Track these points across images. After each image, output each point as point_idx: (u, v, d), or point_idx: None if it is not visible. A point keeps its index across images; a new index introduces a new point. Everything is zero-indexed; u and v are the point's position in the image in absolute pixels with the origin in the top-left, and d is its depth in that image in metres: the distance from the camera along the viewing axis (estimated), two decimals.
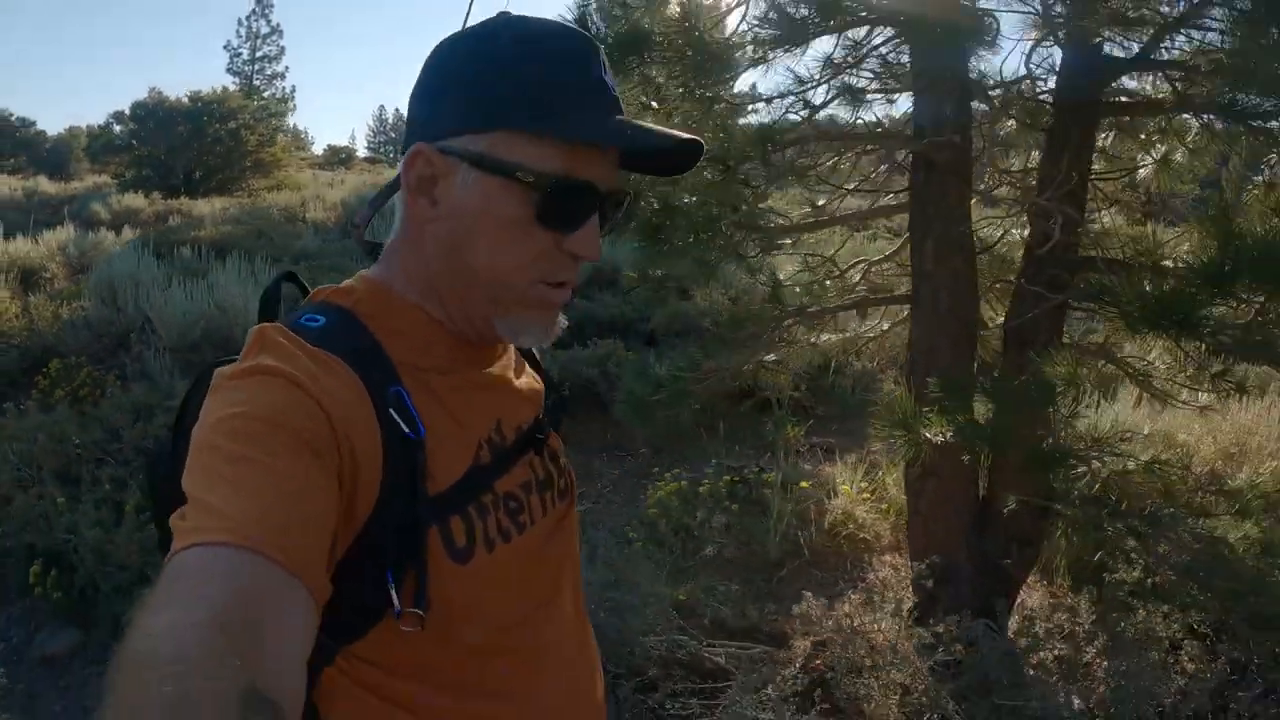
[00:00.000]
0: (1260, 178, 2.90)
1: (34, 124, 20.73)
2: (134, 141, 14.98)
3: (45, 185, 14.13)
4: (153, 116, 14.47)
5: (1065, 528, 2.87)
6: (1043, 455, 2.46)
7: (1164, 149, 3.15)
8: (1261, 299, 2.31)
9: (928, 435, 2.43)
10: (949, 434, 2.38)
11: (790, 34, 2.50)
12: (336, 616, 0.71)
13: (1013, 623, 3.07)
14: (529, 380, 1.00)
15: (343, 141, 77.80)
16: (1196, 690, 2.74)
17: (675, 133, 0.82)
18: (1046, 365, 2.44)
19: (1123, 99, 2.95)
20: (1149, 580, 3.21)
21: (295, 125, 33.18)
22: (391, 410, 0.75)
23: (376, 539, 0.74)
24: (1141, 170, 3.35)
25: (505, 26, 0.80)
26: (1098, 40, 2.62)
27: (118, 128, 15.16)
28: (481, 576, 0.80)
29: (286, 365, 0.72)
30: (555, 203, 0.78)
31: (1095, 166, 3.07)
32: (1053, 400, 2.28)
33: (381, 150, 59.23)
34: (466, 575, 0.79)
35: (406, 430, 0.76)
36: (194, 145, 14.44)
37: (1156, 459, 3.12)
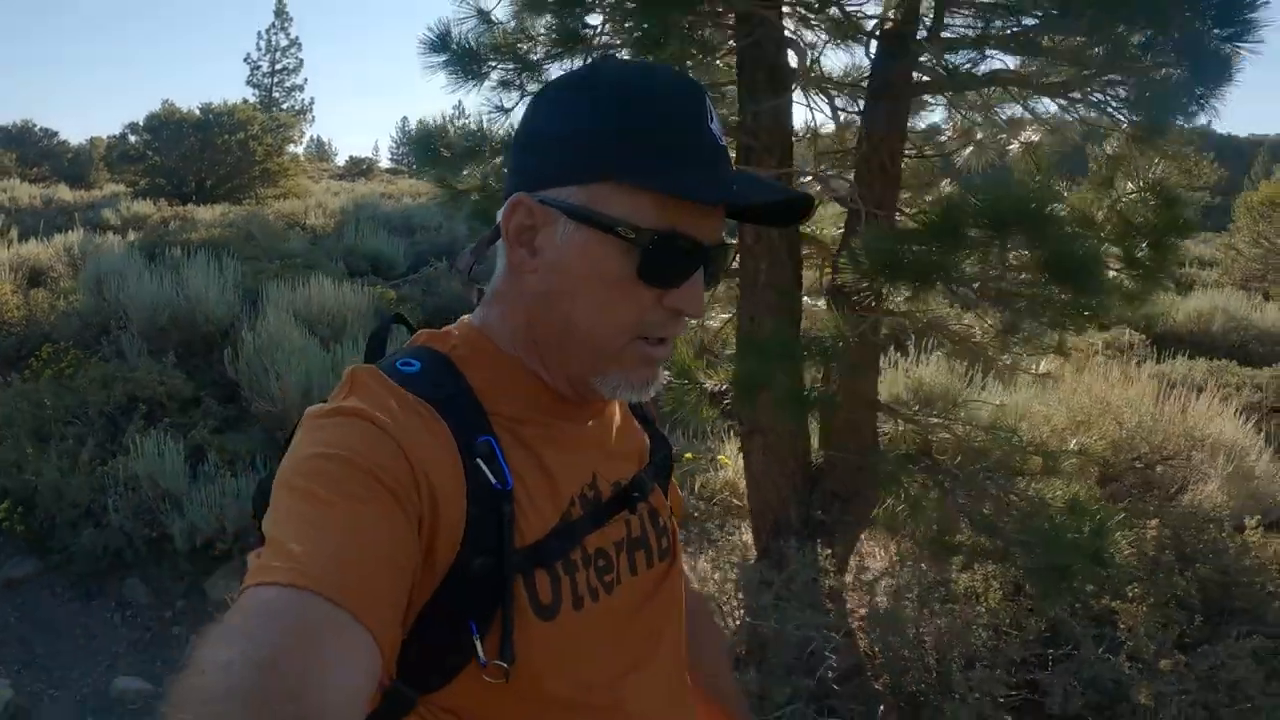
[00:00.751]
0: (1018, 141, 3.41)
1: (56, 134, 21.94)
2: (148, 152, 15.90)
3: (64, 193, 15.05)
4: (165, 127, 15.39)
5: (876, 482, 3.36)
6: (803, 403, 2.99)
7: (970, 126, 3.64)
8: (997, 250, 2.77)
9: (706, 385, 2.97)
10: (724, 383, 2.92)
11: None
12: (419, 665, 0.73)
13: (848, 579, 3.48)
14: (633, 435, 0.99)
15: (366, 153, 79.26)
16: (1005, 644, 3.03)
17: (783, 187, 0.85)
18: (823, 322, 2.97)
19: (924, 79, 3.35)
20: (969, 538, 3.62)
21: (318, 136, 34.18)
22: (479, 459, 0.76)
23: (460, 588, 0.73)
24: (963, 148, 3.82)
25: (608, 74, 0.81)
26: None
27: (132, 138, 16.13)
28: (567, 634, 0.79)
29: (372, 407, 0.73)
30: (658, 260, 0.77)
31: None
32: (796, 354, 2.81)
33: (404, 161, 60.49)
34: (551, 631, 0.78)
35: (494, 481, 0.75)
36: (204, 155, 15.35)
37: (978, 422, 3.64)
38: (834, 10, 3.04)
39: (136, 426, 4.28)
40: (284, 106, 29.90)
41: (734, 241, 1.02)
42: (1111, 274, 2.92)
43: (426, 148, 3.04)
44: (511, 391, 0.83)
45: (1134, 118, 3.04)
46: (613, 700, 0.85)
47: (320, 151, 32.08)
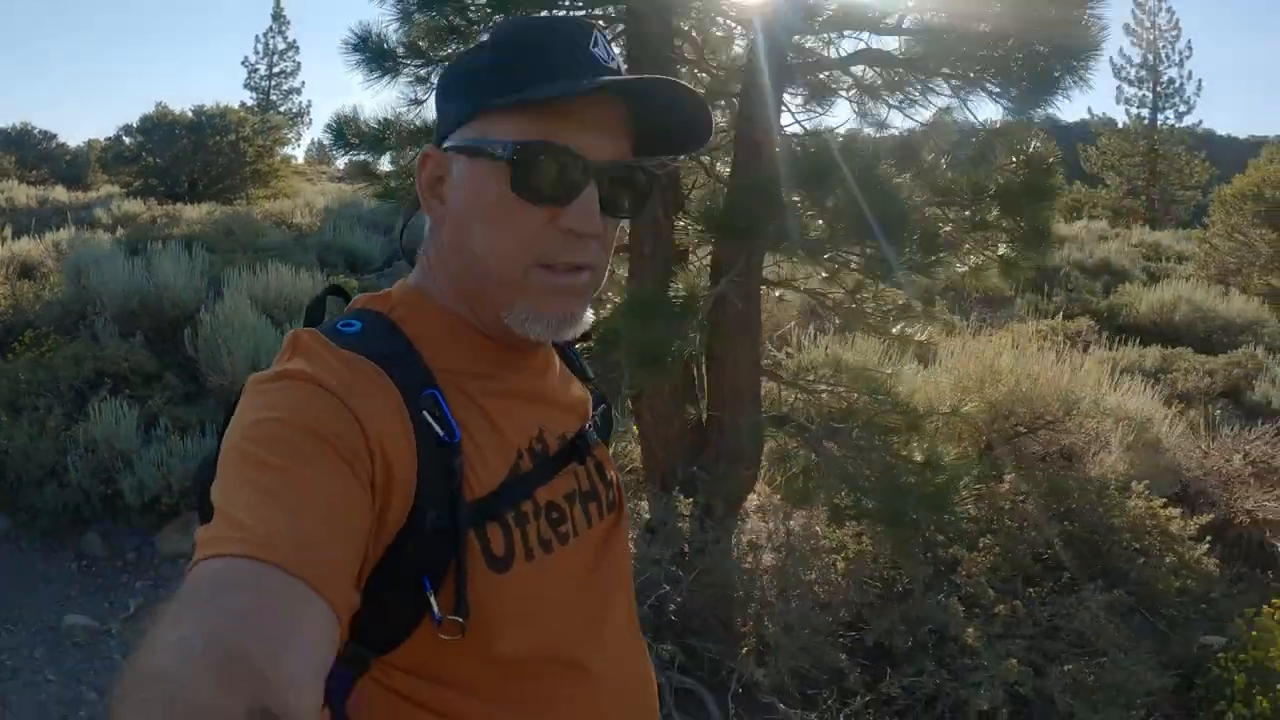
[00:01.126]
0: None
1: (55, 137, 22.50)
2: (143, 153, 16.38)
3: (59, 194, 15.53)
4: (158, 129, 15.88)
5: (749, 437, 3.72)
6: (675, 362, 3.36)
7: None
8: (820, 209, 3.12)
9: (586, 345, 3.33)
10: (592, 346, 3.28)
11: None
12: (372, 625, 0.73)
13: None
14: (576, 389, 0.99)
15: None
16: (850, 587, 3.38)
17: (664, 80, 0.80)
18: (675, 282, 3.32)
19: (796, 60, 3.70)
20: (834, 494, 3.93)
21: (318, 140, 34.67)
22: (425, 413, 0.75)
23: (412, 545, 0.73)
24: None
25: (503, 24, 0.85)
26: None
27: (126, 140, 16.63)
28: (521, 586, 0.79)
29: (317, 370, 0.73)
30: (528, 171, 0.77)
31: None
32: (650, 314, 3.17)
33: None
34: (505, 584, 0.78)
35: (441, 434, 0.75)
36: (196, 156, 15.82)
37: (864, 389, 3.98)
38: None
39: (100, 398, 4.68)
40: (281, 109, 30.44)
41: (647, 163, 0.83)
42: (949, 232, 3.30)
43: (340, 135, 3.42)
44: (451, 346, 0.83)
45: (1010, 92, 3.37)
46: (573, 657, 0.85)
47: (321, 154, 32.56)
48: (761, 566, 3.49)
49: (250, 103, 29.49)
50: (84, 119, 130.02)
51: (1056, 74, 3.08)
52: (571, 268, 0.81)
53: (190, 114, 16.36)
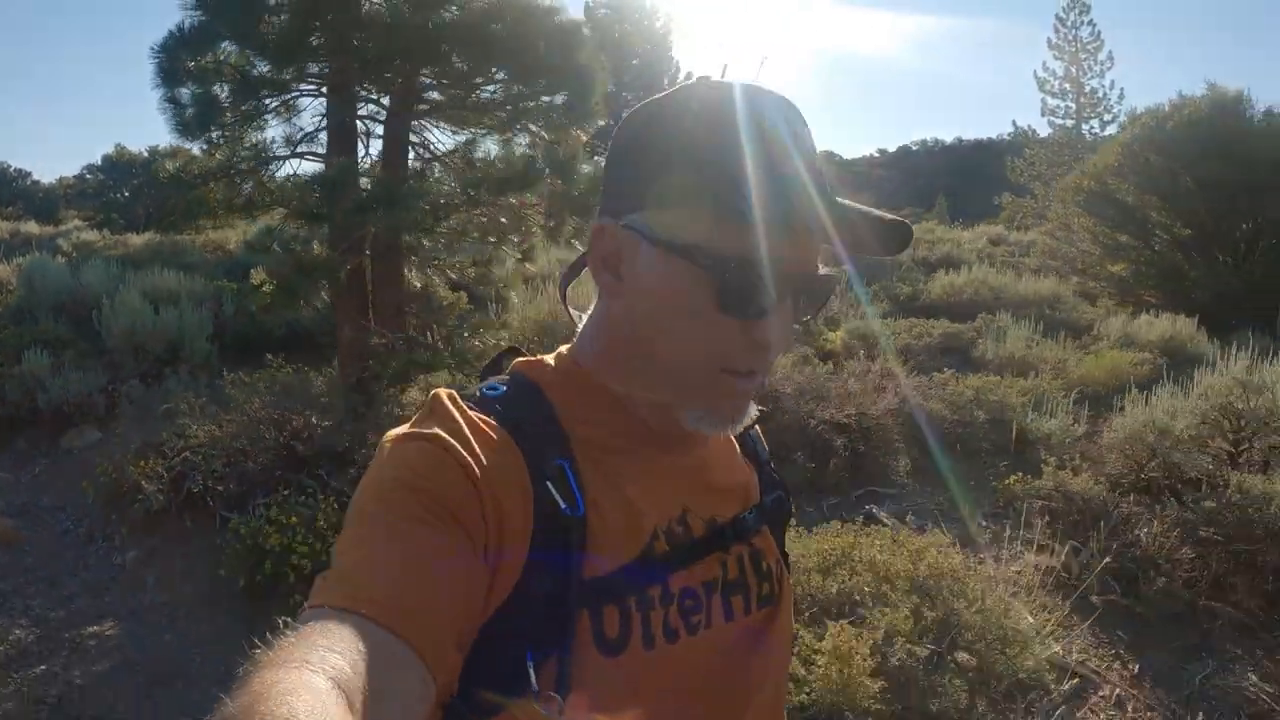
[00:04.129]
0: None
1: (29, 175, 25.55)
2: (105, 190, 19.24)
3: (31, 227, 18.32)
4: (116, 168, 18.71)
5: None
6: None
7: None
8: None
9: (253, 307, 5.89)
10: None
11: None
12: (476, 688, 0.74)
13: None
14: (740, 472, 0.98)
15: None
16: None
17: (872, 212, 0.80)
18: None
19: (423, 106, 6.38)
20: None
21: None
22: (549, 482, 0.77)
23: (522, 615, 0.74)
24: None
25: (699, 97, 0.82)
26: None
27: (89, 177, 19.49)
28: (634, 674, 0.78)
29: (443, 431, 0.76)
30: (735, 287, 0.77)
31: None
32: (311, 272, 5.75)
33: None
34: (615, 669, 0.77)
35: (563, 505, 0.77)
36: (148, 192, 18.64)
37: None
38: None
39: (33, 352, 7.26)
40: None
41: (836, 270, 0.93)
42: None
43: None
44: (597, 418, 0.85)
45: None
46: None
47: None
48: None
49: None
50: (57, 157, 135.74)
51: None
52: (750, 372, 0.82)
53: (145, 154, 19.21)
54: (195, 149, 6.53)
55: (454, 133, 6.26)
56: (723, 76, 0.84)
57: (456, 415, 0.79)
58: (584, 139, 5.67)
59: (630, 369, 0.85)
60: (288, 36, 5.76)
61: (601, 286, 0.86)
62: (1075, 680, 3.60)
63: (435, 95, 5.92)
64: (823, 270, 0.85)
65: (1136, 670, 3.82)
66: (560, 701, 0.73)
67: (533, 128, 5.85)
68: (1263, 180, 12.38)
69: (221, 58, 6.36)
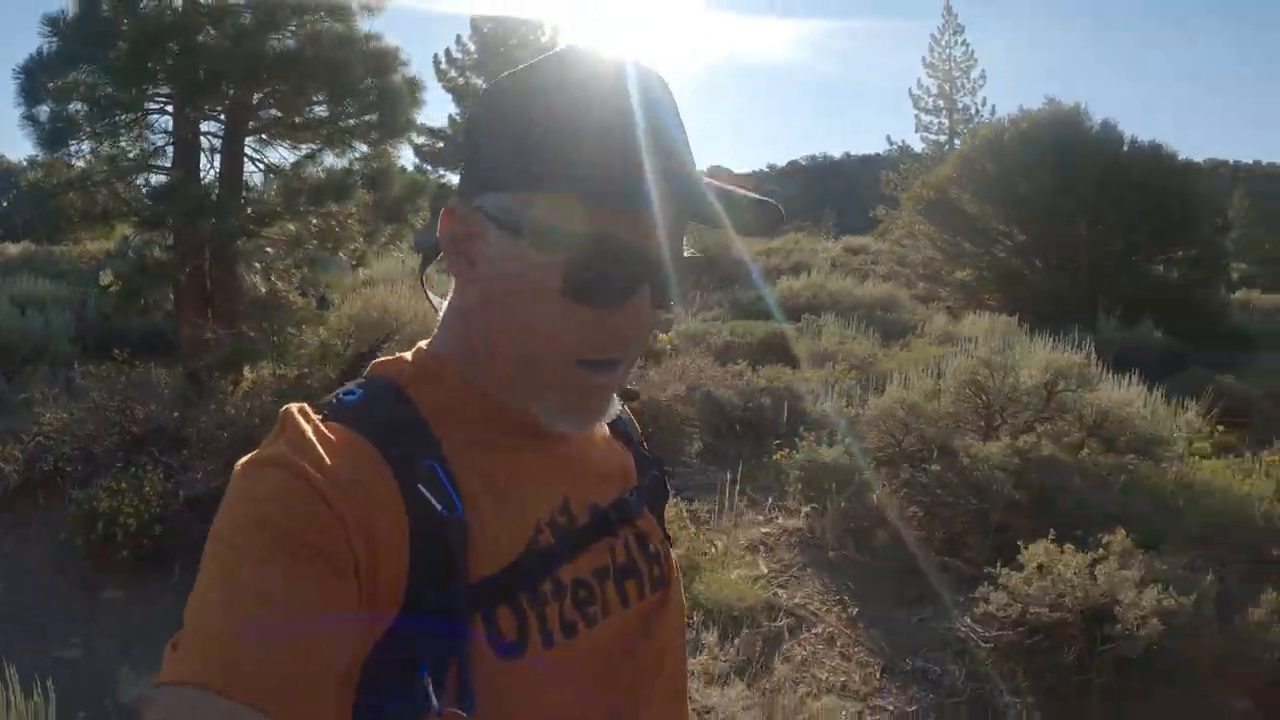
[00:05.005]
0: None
1: None
2: None
3: None
4: None
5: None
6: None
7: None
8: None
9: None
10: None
11: None
12: (373, 712, 0.70)
13: None
14: (617, 454, 0.96)
15: None
16: None
17: (737, 191, 0.77)
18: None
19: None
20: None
21: None
22: (421, 486, 0.72)
23: (410, 632, 0.70)
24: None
25: (558, 69, 0.78)
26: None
27: None
28: (538, 675, 0.75)
29: (297, 454, 0.70)
30: (586, 274, 0.74)
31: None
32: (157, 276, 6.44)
33: None
34: (518, 673, 0.74)
35: (440, 507, 0.72)
36: (25, 203, 18.74)
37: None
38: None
39: None
40: None
41: (697, 254, 1.00)
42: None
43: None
44: (465, 413, 0.81)
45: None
46: None
47: None
48: None
49: None
50: None
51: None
52: (609, 363, 0.79)
53: (25, 163, 19.27)
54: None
55: (292, 148, 7.02)
56: (593, 47, 0.79)
57: (308, 431, 0.72)
58: (393, 153, 6.53)
59: (487, 362, 0.81)
60: (132, 61, 6.47)
61: (454, 274, 0.81)
62: (790, 619, 4.12)
63: (269, 114, 6.67)
64: (687, 253, 0.82)
65: (856, 613, 4.28)
66: (465, 717, 0.70)
67: (357, 144, 6.64)
68: (1095, 188, 13.81)
69: (78, 79, 7.03)
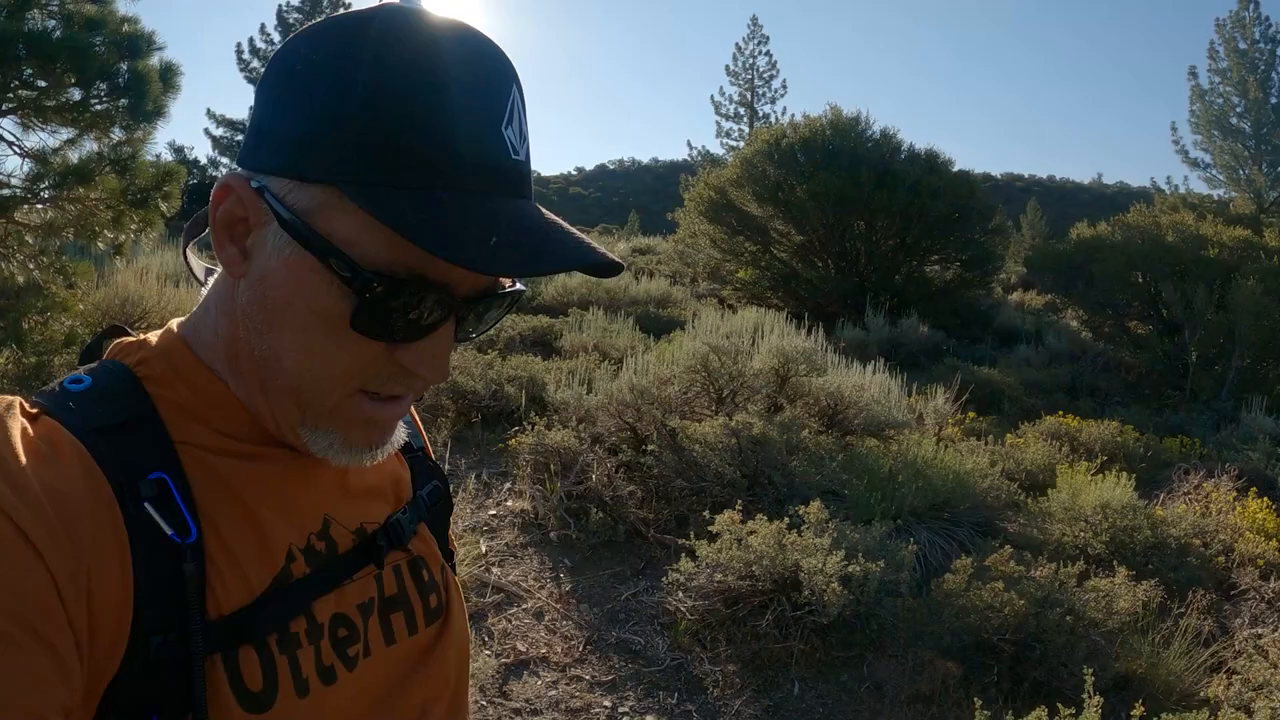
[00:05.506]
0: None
1: None
2: None
3: None
4: None
5: None
6: None
7: None
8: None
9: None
10: None
11: None
12: None
13: None
14: (390, 465, 0.82)
15: None
16: None
17: (581, 248, 0.63)
18: None
19: None
20: None
21: None
22: (148, 505, 0.60)
23: (138, 680, 0.58)
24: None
25: (381, 33, 0.60)
26: None
27: None
28: None
29: None
30: (380, 309, 0.60)
31: None
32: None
33: None
34: None
35: (169, 531, 0.60)
36: None
37: None
38: None
39: None
40: None
41: (515, 288, 0.69)
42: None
43: None
44: (211, 416, 0.67)
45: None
46: None
47: None
48: None
49: None
50: None
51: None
52: (394, 398, 0.67)
53: None
54: None
55: (52, 132, 6.35)
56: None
57: (13, 437, 0.58)
58: (142, 139, 5.99)
59: (249, 368, 0.67)
60: None
61: (222, 261, 0.65)
62: (499, 595, 4.13)
63: (24, 94, 5.97)
64: (509, 287, 0.69)
65: (568, 589, 4.27)
66: None
67: (113, 129, 6.02)
68: (870, 192, 14.58)
69: None
